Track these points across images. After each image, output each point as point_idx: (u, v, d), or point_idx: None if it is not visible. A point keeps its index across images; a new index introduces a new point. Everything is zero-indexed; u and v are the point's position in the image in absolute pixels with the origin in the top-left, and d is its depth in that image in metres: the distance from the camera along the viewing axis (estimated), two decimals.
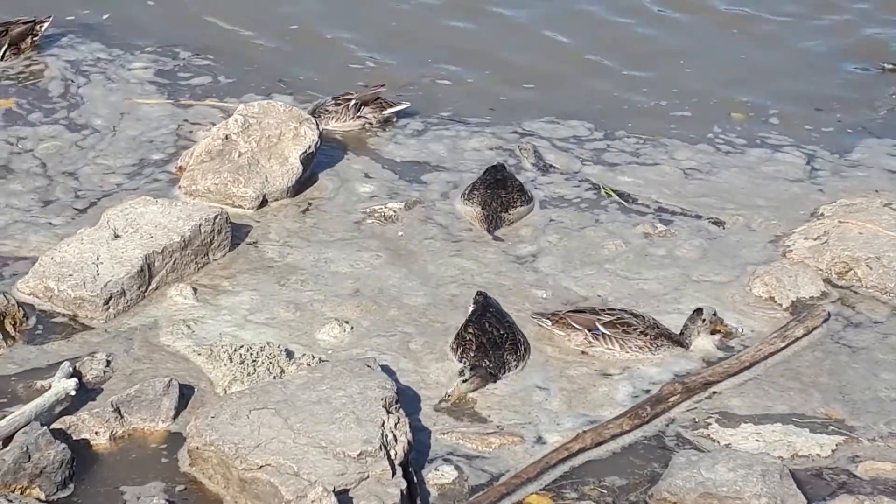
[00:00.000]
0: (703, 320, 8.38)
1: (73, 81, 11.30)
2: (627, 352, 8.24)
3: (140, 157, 10.22)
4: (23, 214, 9.42)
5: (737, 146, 11.01)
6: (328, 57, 12.16)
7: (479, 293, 8.56)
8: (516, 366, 8.10)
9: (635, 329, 8.28)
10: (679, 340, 8.36)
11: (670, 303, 8.85)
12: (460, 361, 8.05)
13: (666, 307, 8.78)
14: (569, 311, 8.43)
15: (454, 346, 8.20)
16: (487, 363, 7.98)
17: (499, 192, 9.61)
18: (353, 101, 10.76)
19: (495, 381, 7.97)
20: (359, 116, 10.81)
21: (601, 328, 8.27)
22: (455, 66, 12.14)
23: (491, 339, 8.11)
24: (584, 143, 10.93)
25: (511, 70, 12.10)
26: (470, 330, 8.21)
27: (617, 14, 13.33)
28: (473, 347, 8.08)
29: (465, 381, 7.82)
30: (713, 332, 8.44)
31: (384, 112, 10.88)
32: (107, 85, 11.28)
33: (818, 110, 11.66)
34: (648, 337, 8.29)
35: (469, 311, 8.40)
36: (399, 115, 10.95)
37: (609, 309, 8.45)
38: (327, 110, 10.71)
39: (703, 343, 8.39)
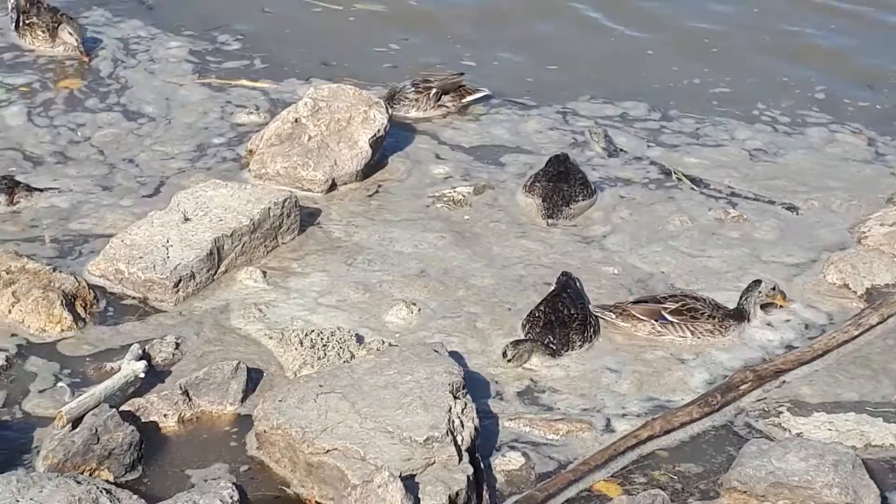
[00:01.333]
0: (760, 292, 8.33)
1: (121, 62, 11.36)
2: (699, 337, 8.17)
3: (199, 143, 10.22)
4: (97, 197, 9.47)
5: (795, 126, 10.93)
6: (368, 40, 12.14)
7: (563, 273, 8.58)
8: (580, 346, 8.08)
9: (702, 313, 8.21)
10: (737, 316, 8.31)
11: (731, 280, 8.81)
12: (527, 336, 8.07)
13: (726, 284, 8.75)
14: (631, 303, 8.35)
15: (524, 323, 8.21)
16: (551, 339, 7.98)
17: (561, 185, 9.51)
18: (433, 90, 10.71)
19: (555, 356, 7.96)
20: (439, 105, 10.76)
21: (668, 316, 8.19)
22: (501, 49, 12.13)
23: (560, 318, 8.10)
24: (645, 124, 10.90)
25: (554, 50, 12.07)
26: (542, 307, 8.23)
27: None
28: (540, 324, 8.10)
29: (508, 361, 7.85)
30: (769, 305, 8.40)
31: (464, 100, 10.85)
32: (149, 67, 11.30)
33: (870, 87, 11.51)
34: (716, 319, 8.22)
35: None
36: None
37: (671, 295, 8.37)
38: (407, 98, 10.66)
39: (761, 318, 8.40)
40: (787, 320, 8.47)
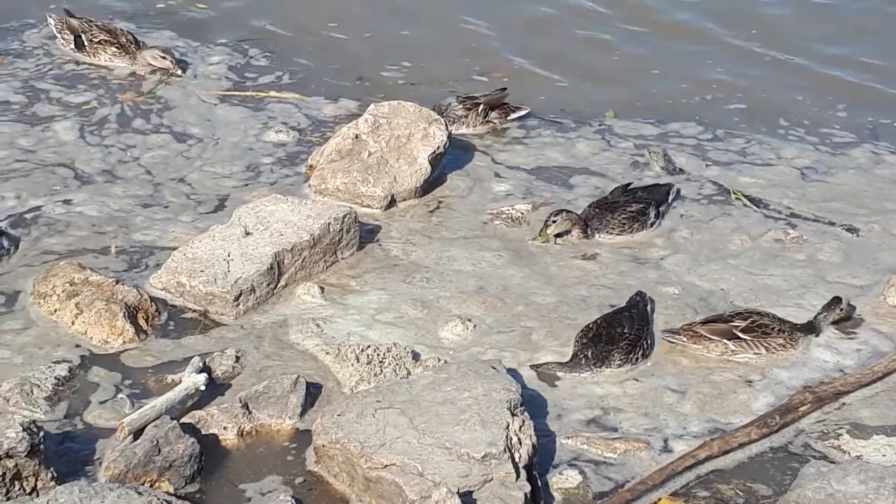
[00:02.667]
0: (841, 308, 8.34)
1: (162, 80, 11.49)
2: (773, 352, 8.15)
3: (248, 162, 10.26)
4: (162, 212, 9.59)
5: (837, 145, 10.90)
6: (402, 55, 12.20)
7: (637, 293, 8.60)
8: (619, 365, 8.05)
9: (772, 328, 8.18)
10: (808, 329, 8.31)
11: (792, 298, 8.79)
12: (573, 346, 8.12)
13: (786, 301, 8.73)
14: (699, 324, 8.32)
15: (577, 335, 8.23)
16: (589, 353, 8.00)
17: (605, 214, 9.47)
18: (481, 106, 10.75)
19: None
20: (486, 121, 10.81)
21: (740, 334, 8.15)
22: (539, 65, 12.20)
23: (609, 335, 8.11)
24: (692, 142, 10.90)
25: (588, 67, 12.15)
26: (598, 321, 8.26)
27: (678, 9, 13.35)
28: (589, 336, 8.12)
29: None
30: (841, 321, 8.43)
31: (509, 117, 10.89)
32: (187, 87, 11.40)
33: None
34: (786, 333, 8.20)
35: None
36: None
37: (736, 313, 8.34)
38: (455, 114, 10.70)
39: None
40: (851, 339, 8.43)
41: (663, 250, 9.41)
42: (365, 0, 13.22)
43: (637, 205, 9.52)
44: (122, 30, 11.75)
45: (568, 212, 9.32)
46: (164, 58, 11.50)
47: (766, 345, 8.16)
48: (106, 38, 11.58)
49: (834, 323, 8.44)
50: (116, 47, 11.56)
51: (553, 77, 11.98)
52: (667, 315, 8.59)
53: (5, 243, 8.61)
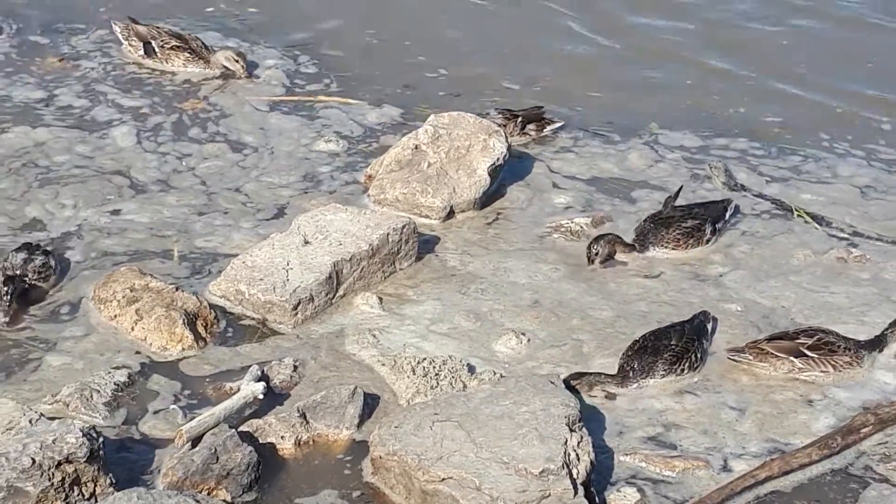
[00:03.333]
0: None
1: (218, 88, 11.52)
2: (840, 371, 8.06)
3: (305, 172, 10.25)
4: (222, 218, 9.63)
5: (890, 162, 10.81)
6: (443, 61, 12.24)
7: (701, 312, 8.53)
8: (662, 377, 8.00)
9: (838, 346, 8.10)
10: (874, 345, 8.24)
11: (855, 315, 8.73)
12: (620, 358, 8.07)
13: (848, 319, 8.67)
14: (764, 341, 8.24)
15: (627, 347, 8.17)
16: (635, 364, 7.96)
17: (660, 229, 9.40)
18: (520, 118, 10.73)
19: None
20: (524, 133, 10.79)
21: (807, 352, 8.07)
22: (575, 75, 12.20)
23: (655, 347, 8.06)
24: (748, 158, 10.80)
25: (626, 81, 12.12)
26: (647, 334, 8.22)
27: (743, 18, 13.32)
28: (635, 348, 8.09)
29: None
30: None
31: (545, 130, 10.88)
32: (237, 93, 11.43)
33: None
34: (852, 351, 8.12)
35: None
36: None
37: (801, 331, 8.25)
38: (495, 124, 10.64)
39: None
40: None
41: (724, 267, 9.31)
42: (406, 7, 13.24)
43: (693, 221, 9.43)
44: (191, 35, 11.82)
45: (602, 236, 9.23)
46: (236, 60, 11.55)
47: (832, 363, 8.08)
48: (177, 43, 11.66)
49: None
50: (189, 52, 11.64)
51: (589, 89, 11.95)
52: (730, 334, 8.51)
53: (52, 262, 8.59)
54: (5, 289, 8.25)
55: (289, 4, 13.16)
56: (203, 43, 11.76)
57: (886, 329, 8.35)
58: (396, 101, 11.40)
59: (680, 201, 9.75)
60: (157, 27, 11.84)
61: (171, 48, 11.65)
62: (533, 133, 10.83)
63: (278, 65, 11.91)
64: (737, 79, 12.26)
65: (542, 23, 13.22)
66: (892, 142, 11.21)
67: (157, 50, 11.67)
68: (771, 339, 8.25)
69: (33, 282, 8.47)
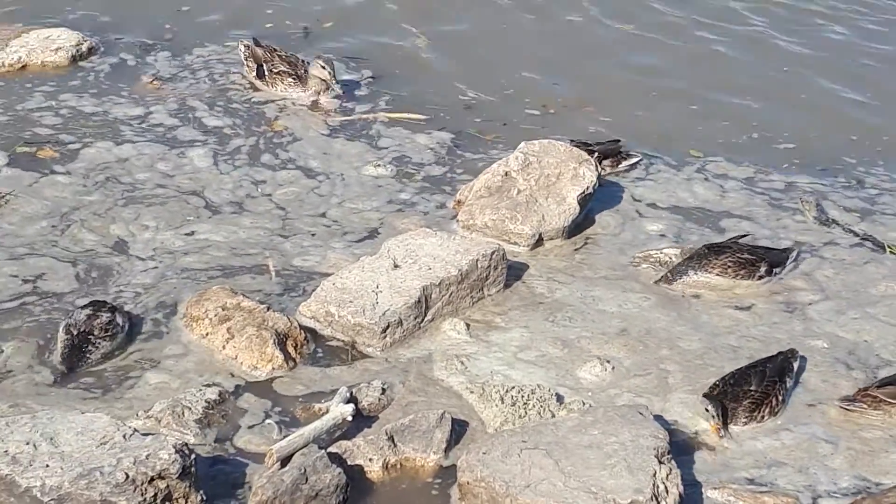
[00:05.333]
0: None
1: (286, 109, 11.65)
2: None
3: (388, 199, 10.32)
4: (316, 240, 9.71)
5: None
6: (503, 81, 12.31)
7: (789, 349, 8.45)
8: (745, 423, 7.92)
9: None
10: None
11: None
12: (700, 401, 7.99)
13: None
14: (875, 387, 8.12)
15: (707, 390, 8.09)
16: (716, 409, 7.85)
17: (710, 256, 9.30)
18: (596, 154, 10.68)
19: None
20: (601, 167, 10.76)
21: None
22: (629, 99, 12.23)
23: (735, 392, 7.99)
24: (822, 189, 10.76)
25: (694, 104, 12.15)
26: (726, 377, 8.13)
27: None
28: (717, 391, 8.02)
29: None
30: None
31: (620, 165, 10.85)
32: (299, 112, 11.55)
33: None
34: None
35: None
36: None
37: None
38: None
39: None
40: None
41: (814, 300, 9.26)
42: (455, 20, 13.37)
43: (749, 255, 9.34)
44: (302, 60, 11.94)
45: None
46: (323, 68, 11.64)
47: None
48: (285, 68, 11.78)
49: None
50: (293, 78, 11.75)
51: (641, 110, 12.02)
52: (819, 371, 8.46)
53: (119, 321, 8.33)
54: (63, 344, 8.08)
55: (350, 17, 13.30)
56: (307, 68, 11.86)
57: None
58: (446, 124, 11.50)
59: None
60: (273, 49, 11.96)
61: (278, 73, 11.78)
62: (608, 168, 10.79)
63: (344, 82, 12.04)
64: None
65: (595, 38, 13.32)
66: None
67: (266, 74, 11.82)
68: (882, 384, 8.15)
69: (98, 339, 8.17)
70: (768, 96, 12.32)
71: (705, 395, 7.88)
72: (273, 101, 11.66)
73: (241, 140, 11.02)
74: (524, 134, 10.93)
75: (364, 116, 11.54)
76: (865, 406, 8.03)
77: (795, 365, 8.36)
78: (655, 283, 9.26)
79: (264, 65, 11.82)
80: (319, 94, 11.69)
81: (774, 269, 9.38)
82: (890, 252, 9.84)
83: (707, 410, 7.79)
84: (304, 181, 10.46)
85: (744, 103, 12.19)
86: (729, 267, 9.24)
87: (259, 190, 10.30)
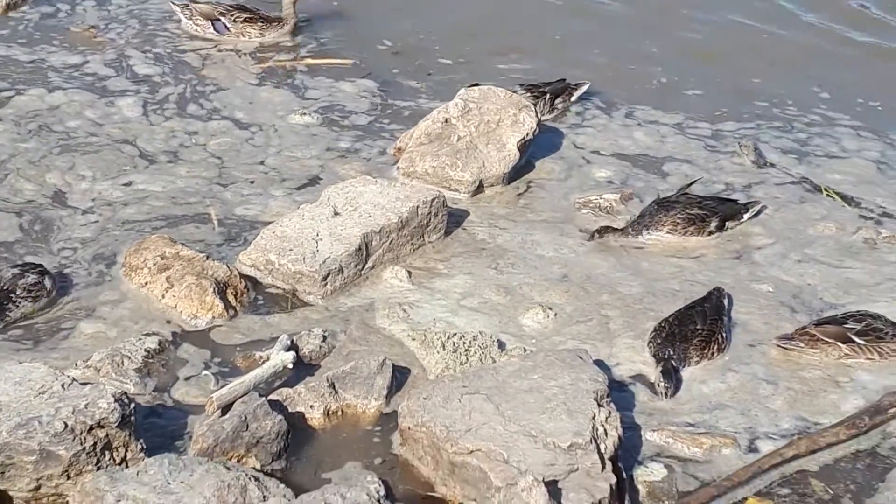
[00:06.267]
0: None
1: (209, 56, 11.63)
2: (886, 358, 8.03)
3: (325, 147, 10.31)
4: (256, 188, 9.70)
5: (884, 136, 10.90)
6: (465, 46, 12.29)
7: (715, 288, 8.51)
8: (697, 362, 7.99)
9: (886, 332, 8.07)
10: None
11: (883, 293, 8.74)
12: (647, 346, 8.06)
13: (878, 296, 8.69)
14: (812, 325, 8.21)
15: (651, 333, 8.17)
16: (670, 353, 7.92)
17: (661, 212, 9.29)
18: (548, 94, 10.73)
19: (678, 373, 7.88)
20: (553, 108, 10.79)
21: (855, 338, 8.05)
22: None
23: (683, 332, 8.05)
24: (764, 136, 10.87)
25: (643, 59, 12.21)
26: (670, 319, 8.19)
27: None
28: (662, 336, 8.07)
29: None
30: None
31: (573, 98, 10.95)
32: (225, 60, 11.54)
33: None
34: None
35: None
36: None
37: (850, 315, 8.23)
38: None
39: None
40: None
41: (755, 242, 9.35)
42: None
43: (699, 210, 9.34)
44: (251, 6, 12.00)
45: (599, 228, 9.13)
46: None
47: (879, 350, 8.05)
48: (248, 16, 11.84)
49: None
50: (262, 22, 11.89)
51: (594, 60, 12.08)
52: (762, 315, 8.53)
53: (47, 284, 8.19)
54: None
55: None
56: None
57: None
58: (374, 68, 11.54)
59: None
60: (218, 2, 11.94)
61: (244, 21, 11.81)
62: (561, 106, 10.84)
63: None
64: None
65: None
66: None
67: (228, 26, 11.80)
68: (819, 323, 8.23)
69: (19, 299, 8.05)
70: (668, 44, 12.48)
71: (663, 371, 7.82)
72: (198, 50, 11.62)
73: (170, 89, 10.97)
74: (453, 82, 11.02)
75: (289, 62, 11.49)
76: (802, 345, 8.11)
77: (726, 303, 8.43)
78: (595, 239, 9.25)
79: (221, 19, 11.79)
80: (293, 26, 11.87)
81: (727, 224, 9.40)
82: (826, 194, 9.92)
83: (659, 385, 7.78)
84: (237, 132, 10.42)
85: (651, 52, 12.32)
86: (678, 224, 9.25)
87: (192, 140, 10.26)
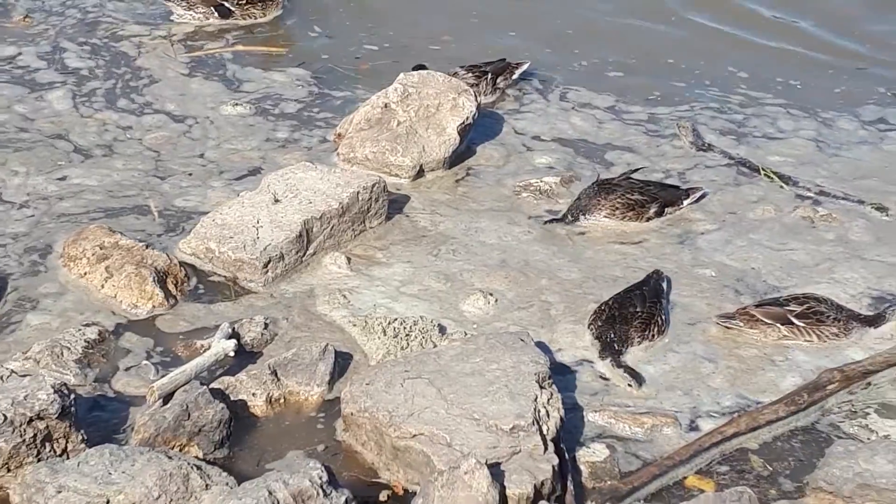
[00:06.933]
0: None
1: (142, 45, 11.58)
2: (825, 341, 8.11)
3: (265, 138, 10.28)
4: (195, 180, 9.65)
5: (821, 117, 10.99)
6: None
7: (654, 271, 8.54)
8: (639, 343, 8.03)
9: (827, 316, 8.14)
10: (870, 321, 8.24)
11: (823, 272, 8.81)
12: (588, 329, 8.10)
13: (818, 277, 8.74)
14: (753, 306, 8.28)
15: (591, 316, 8.20)
16: (611, 335, 7.96)
17: (601, 195, 9.28)
18: (489, 74, 10.76)
19: (620, 355, 7.91)
20: (496, 88, 10.83)
21: (795, 320, 8.13)
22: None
23: (623, 314, 8.09)
24: (705, 118, 10.92)
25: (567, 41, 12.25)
26: (609, 302, 8.22)
27: None
28: (602, 318, 8.10)
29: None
30: None
31: (513, 76, 11.01)
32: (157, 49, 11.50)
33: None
34: (841, 322, 8.16)
35: None
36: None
37: (793, 297, 8.30)
38: (468, 84, 10.61)
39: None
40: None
41: (697, 226, 9.38)
42: None
43: (640, 196, 9.37)
44: None
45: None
46: None
47: (818, 332, 8.12)
48: None
49: None
50: (262, 1, 12.02)
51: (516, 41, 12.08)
52: (704, 297, 8.57)
53: None
54: None
55: None
56: None
57: (889, 306, 8.34)
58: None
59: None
60: None
61: (248, 3, 11.93)
62: (503, 85, 10.87)
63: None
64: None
65: None
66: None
67: (233, 9, 11.89)
68: (760, 304, 8.29)
69: None
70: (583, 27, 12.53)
71: (628, 371, 7.80)
72: (132, 38, 11.60)
73: (99, 82, 10.89)
74: (385, 67, 11.05)
75: (223, 49, 11.45)
76: (742, 324, 8.18)
77: (664, 286, 8.49)
78: (545, 224, 9.27)
79: (225, 3, 11.87)
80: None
81: (667, 209, 9.43)
82: (764, 175, 9.99)
83: (623, 377, 7.79)
84: (174, 125, 10.37)
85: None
86: (617, 209, 9.27)
87: (127, 135, 10.18)
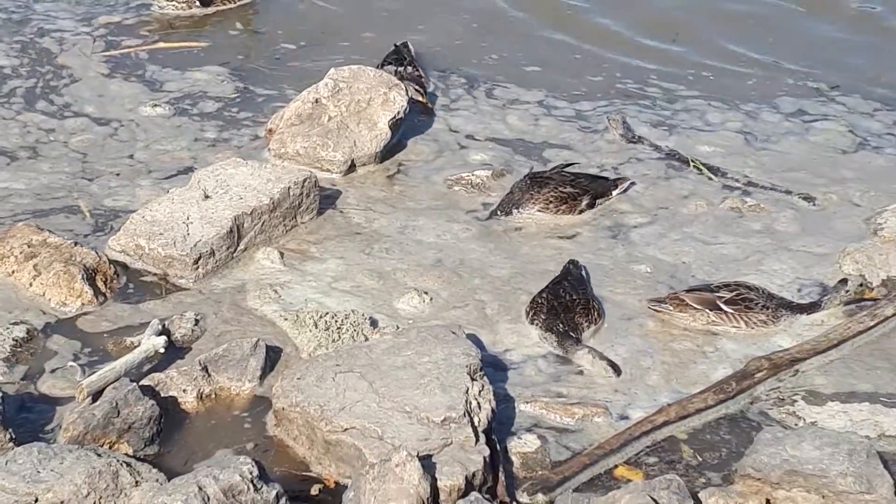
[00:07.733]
0: (847, 291, 8.34)
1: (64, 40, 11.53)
2: (752, 327, 8.18)
3: (193, 138, 10.24)
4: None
5: (749, 111, 11.06)
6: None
7: (570, 261, 8.59)
8: (588, 328, 8.09)
9: (756, 303, 8.21)
10: (803, 308, 8.32)
11: (751, 265, 8.86)
12: (531, 324, 8.11)
13: (746, 269, 8.79)
14: (684, 292, 8.34)
15: (527, 310, 8.23)
16: (561, 326, 7.99)
17: (534, 188, 9.31)
18: (413, 64, 10.86)
19: (579, 342, 7.94)
20: (417, 91, 10.79)
21: (723, 306, 8.19)
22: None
23: (563, 303, 8.13)
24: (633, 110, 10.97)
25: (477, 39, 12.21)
26: (543, 294, 8.26)
27: None
28: (545, 310, 8.13)
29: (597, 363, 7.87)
30: (856, 301, 8.39)
31: (421, 77, 10.99)
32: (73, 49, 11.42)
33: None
34: (769, 310, 8.24)
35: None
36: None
37: (724, 284, 8.37)
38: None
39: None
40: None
41: (631, 220, 9.42)
42: None
43: (571, 188, 9.39)
44: None
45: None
46: None
47: (745, 319, 8.20)
48: None
49: (848, 304, 8.37)
50: None
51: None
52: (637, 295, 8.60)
53: None
54: None
55: None
56: None
57: (823, 296, 8.43)
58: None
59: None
60: None
61: None
62: (418, 91, 10.77)
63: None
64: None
65: None
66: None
67: None
68: (691, 290, 8.35)
69: None
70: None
71: (610, 364, 7.82)
72: (54, 33, 11.53)
73: (21, 81, 10.80)
74: (309, 64, 11.08)
75: (140, 48, 11.38)
76: (672, 308, 8.25)
77: (583, 273, 8.56)
78: (486, 219, 9.28)
79: None
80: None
81: (598, 201, 9.47)
82: (694, 167, 10.07)
83: (605, 368, 7.82)
84: (98, 128, 10.28)
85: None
86: (551, 202, 9.29)
87: (50, 137, 10.08)
